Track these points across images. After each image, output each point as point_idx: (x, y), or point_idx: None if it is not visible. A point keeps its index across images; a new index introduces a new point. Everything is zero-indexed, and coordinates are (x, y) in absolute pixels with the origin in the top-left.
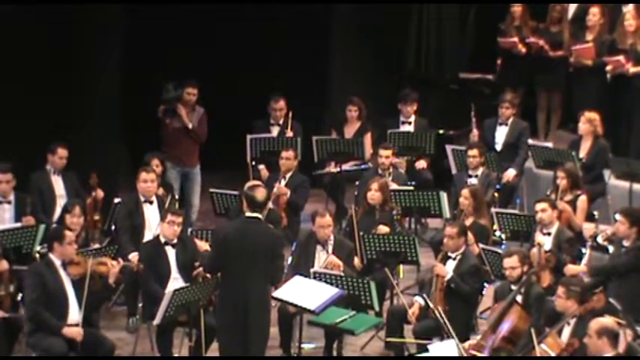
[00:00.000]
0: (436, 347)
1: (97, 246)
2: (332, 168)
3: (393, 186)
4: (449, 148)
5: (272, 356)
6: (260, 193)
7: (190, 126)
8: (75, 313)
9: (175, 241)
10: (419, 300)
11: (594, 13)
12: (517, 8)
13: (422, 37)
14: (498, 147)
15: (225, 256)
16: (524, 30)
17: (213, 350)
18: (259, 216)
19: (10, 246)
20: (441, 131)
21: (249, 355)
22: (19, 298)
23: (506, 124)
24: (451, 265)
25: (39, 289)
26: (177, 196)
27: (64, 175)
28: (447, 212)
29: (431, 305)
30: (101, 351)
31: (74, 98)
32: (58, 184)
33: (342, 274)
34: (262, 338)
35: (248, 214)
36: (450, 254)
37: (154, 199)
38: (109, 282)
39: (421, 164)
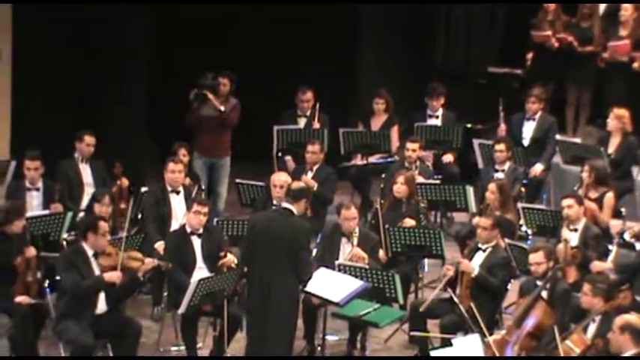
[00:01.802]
0: (460, 342)
1: (123, 234)
2: (358, 160)
3: (420, 179)
4: (476, 142)
5: (272, 356)
6: (294, 184)
7: (222, 108)
8: (103, 303)
9: (201, 230)
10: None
11: (626, 9)
12: (551, 5)
13: (451, 30)
14: (525, 142)
15: (251, 245)
16: (556, 24)
17: (237, 340)
18: (290, 207)
19: (38, 233)
20: (468, 125)
21: (272, 346)
22: (45, 285)
23: (534, 119)
24: (480, 257)
25: (75, 272)
26: (203, 186)
27: (92, 164)
28: (473, 206)
29: (456, 300)
30: (128, 334)
31: (102, 88)
32: (85, 172)
33: (367, 266)
34: (287, 330)
35: (282, 204)
36: (480, 246)
37: (180, 188)
38: (137, 275)
39: (448, 158)
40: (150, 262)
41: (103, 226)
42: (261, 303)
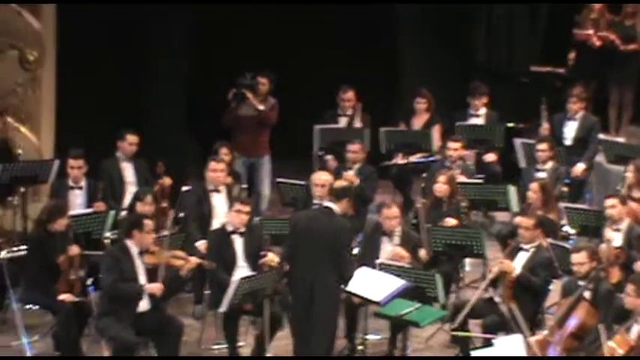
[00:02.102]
0: (501, 342)
1: (165, 233)
2: (399, 159)
3: (461, 179)
4: (518, 141)
5: (314, 356)
6: (337, 182)
7: (262, 107)
8: (145, 301)
9: (242, 229)
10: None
11: None
12: (597, 5)
13: (492, 29)
14: (567, 142)
15: (294, 244)
16: (600, 23)
17: (278, 338)
18: (333, 206)
19: (81, 231)
20: (510, 124)
21: (314, 345)
22: (88, 283)
23: (575, 119)
24: (523, 257)
25: (116, 272)
26: (245, 185)
27: (134, 163)
28: (514, 206)
29: (497, 300)
30: (170, 332)
31: (145, 88)
32: (128, 171)
33: (408, 265)
34: (328, 329)
35: (324, 203)
36: (523, 246)
37: (222, 187)
38: (180, 274)
39: (490, 157)
40: (194, 261)
41: (148, 224)
42: (304, 302)
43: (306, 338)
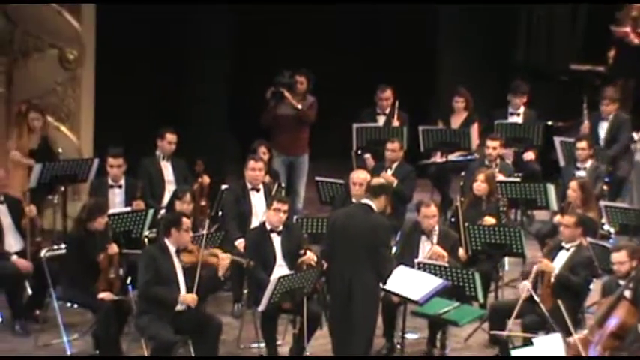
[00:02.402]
0: (541, 341)
1: (204, 232)
2: (438, 158)
3: (500, 177)
4: (557, 140)
5: (352, 356)
6: (374, 180)
7: (300, 106)
8: None
9: (281, 228)
10: (527, 285)
11: None
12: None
13: (532, 28)
14: (602, 142)
15: (332, 242)
16: (639, 20)
17: (317, 337)
18: (370, 203)
19: (120, 230)
20: (549, 123)
21: (353, 344)
22: (128, 281)
23: (607, 120)
24: (563, 256)
25: (152, 271)
26: (283, 184)
27: (173, 161)
28: (554, 205)
29: (537, 299)
30: (208, 330)
31: (183, 86)
32: (167, 169)
33: (447, 264)
34: (367, 328)
35: (362, 200)
36: (564, 245)
37: (260, 186)
38: (217, 273)
39: (529, 156)
40: (226, 257)
41: (186, 222)
42: (342, 300)
43: (345, 337)
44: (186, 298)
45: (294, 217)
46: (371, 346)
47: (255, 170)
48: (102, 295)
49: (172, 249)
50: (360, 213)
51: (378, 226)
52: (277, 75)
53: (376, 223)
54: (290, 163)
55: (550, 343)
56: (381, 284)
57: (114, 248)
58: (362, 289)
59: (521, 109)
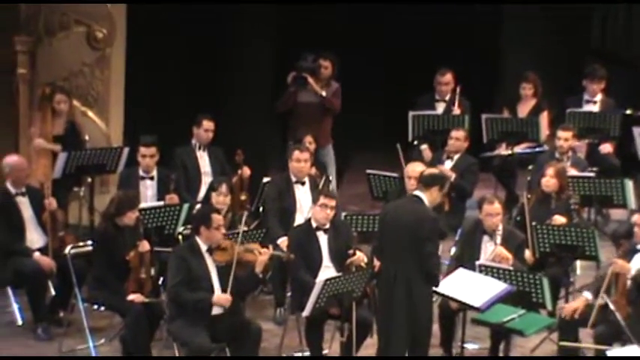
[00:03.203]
0: (616, 353)
1: (243, 228)
2: (503, 150)
3: (572, 172)
4: (636, 130)
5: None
6: (427, 170)
7: (324, 94)
8: None
9: (328, 226)
10: (587, 296)
11: None
12: None
13: (609, 11)
14: None
15: (381, 237)
16: None
17: (367, 346)
18: (421, 195)
19: (152, 226)
20: (628, 111)
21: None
22: (160, 282)
23: None
24: (639, 260)
25: (182, 273)
26: (331, 177)
27: (210, 151)
28: (632, 202)
29: (611, 307)
30: (247, 336)
31: (224, 74)
32: (203, 159)
33: (511, 268)
34: (421, 334)
35: (414, 192)
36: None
37: (306, 179)
38: (255, 271)
39: (606, 148)
40: (265, 253)
41: (217, 219)
42: (389, 301)
43: (388, 341)
44: (220, 298)
45: (343, 214)
46: (427, 353)
47: (300, 161)
48: (131, 296)
49: (204, 248)
50: (408, 205)
51: (425, 218)
52: (300, 60)
53: (423, 215)
54: (316, 155)
55: (626, 356)
56: (433, 287)
57: (145, 246)
58: (406, 288)
59: (599, 97)
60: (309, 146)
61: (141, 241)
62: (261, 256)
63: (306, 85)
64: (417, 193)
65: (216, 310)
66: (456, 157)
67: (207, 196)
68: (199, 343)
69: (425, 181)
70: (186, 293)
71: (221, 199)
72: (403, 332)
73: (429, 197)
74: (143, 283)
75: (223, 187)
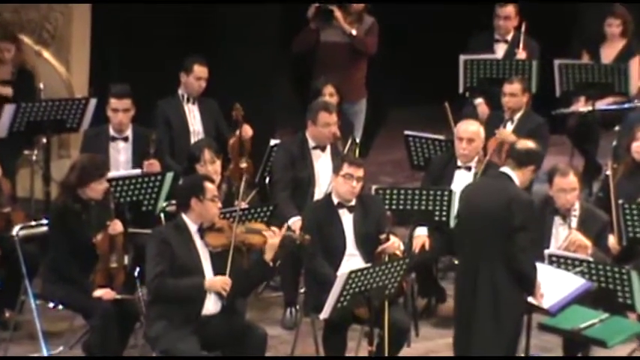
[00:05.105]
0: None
1: (243, 205)
2: (581, 106)
3: None
4: None
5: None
6: (521, 143)
7: (354, 32)
8: (213, 302)
9: (353, 202)
10: None
11: None
12: None
13: None
14: None
15: (459, 227)
16: None
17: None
18: (511, 173)
19: (126, 200)
20: None
21: None
22: (135, 274)
23: None
24: None
25: (165, 261)
26: (358, 139)
27: (202, 104)
28: None
29: None
30: (248, 344)
31: (220, 3)
32: (192, 115)
33: (591, 258)
34: (505, 344)
35: (501, 168)
36: None
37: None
38: (264, 258)
39: None
40: (274, 234)
41: (211, 189)
42: (466, 305)
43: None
44: (215, 282)
45: (373, 188)
46: None
47: (329, 125)
48: (99, 292)
49: (193, 228)
50: (493, 184)
51: (515, 200)
52: None
53: (513, 196)
54: (340, 110)
55: None
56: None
57: (116, 226)
58: (490, 292)
59: None
60: (329, 99)
61: (111, 220)
62: (272, 238)
63: (331, 20)
64: (507, 170)
65: (208, 310)
66: (517, 116)
67: (189, 165)
68: (185, 350)
69: (519, 158)
70: (171, 281)
71: (209, 168)
72: (487, 352)
73: (521, 177)
74: (114, 274)
75: (206, 154)
